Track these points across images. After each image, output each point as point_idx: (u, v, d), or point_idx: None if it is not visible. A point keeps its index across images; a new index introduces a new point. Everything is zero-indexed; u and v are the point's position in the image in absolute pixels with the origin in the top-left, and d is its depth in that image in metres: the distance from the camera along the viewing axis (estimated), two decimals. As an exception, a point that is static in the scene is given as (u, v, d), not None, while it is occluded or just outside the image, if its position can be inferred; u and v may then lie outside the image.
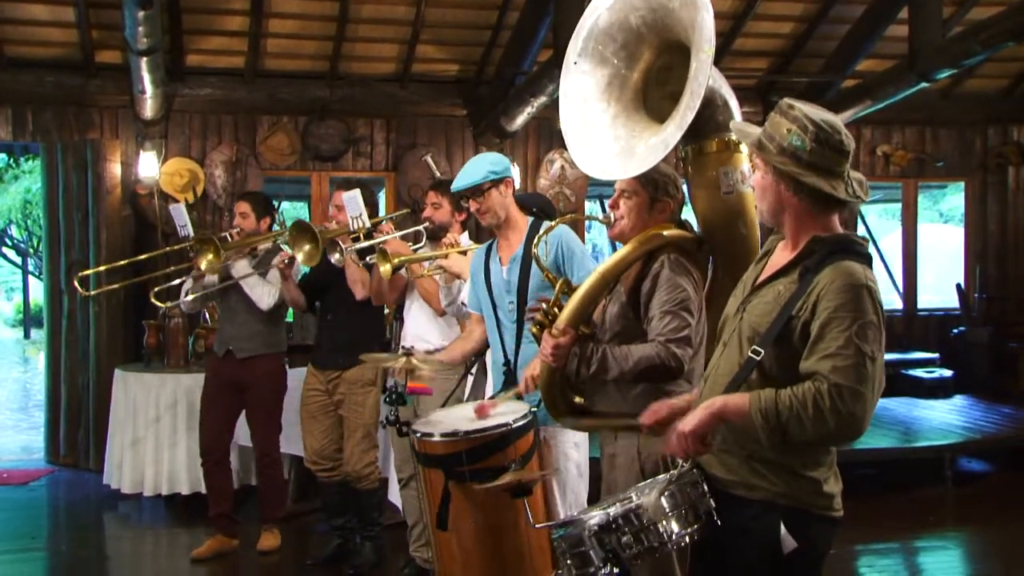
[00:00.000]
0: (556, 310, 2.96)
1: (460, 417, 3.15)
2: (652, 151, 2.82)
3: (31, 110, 7.51)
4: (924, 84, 6.99)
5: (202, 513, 5.39)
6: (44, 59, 7.42)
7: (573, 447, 3.47)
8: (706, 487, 2.30)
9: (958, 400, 8.12)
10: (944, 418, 7.45)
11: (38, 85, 7.41)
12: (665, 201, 3.01)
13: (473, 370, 4.24)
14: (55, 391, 7.54)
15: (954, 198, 18.32)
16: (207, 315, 6.68)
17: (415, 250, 4.54)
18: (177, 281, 5.32)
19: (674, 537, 2.25)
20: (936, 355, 8.82)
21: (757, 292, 2.36)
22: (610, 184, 3.19)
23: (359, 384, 4.84)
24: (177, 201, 7.21)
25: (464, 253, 4.16)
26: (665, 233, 2.94)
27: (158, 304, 5.22)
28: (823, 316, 2.15)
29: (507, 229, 3.65)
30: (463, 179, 3.62)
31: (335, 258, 4.54)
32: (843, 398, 2.08)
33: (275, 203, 5.77)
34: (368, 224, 4.56)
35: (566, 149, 3.11)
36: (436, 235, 4.46)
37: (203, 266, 4.87)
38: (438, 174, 7.90)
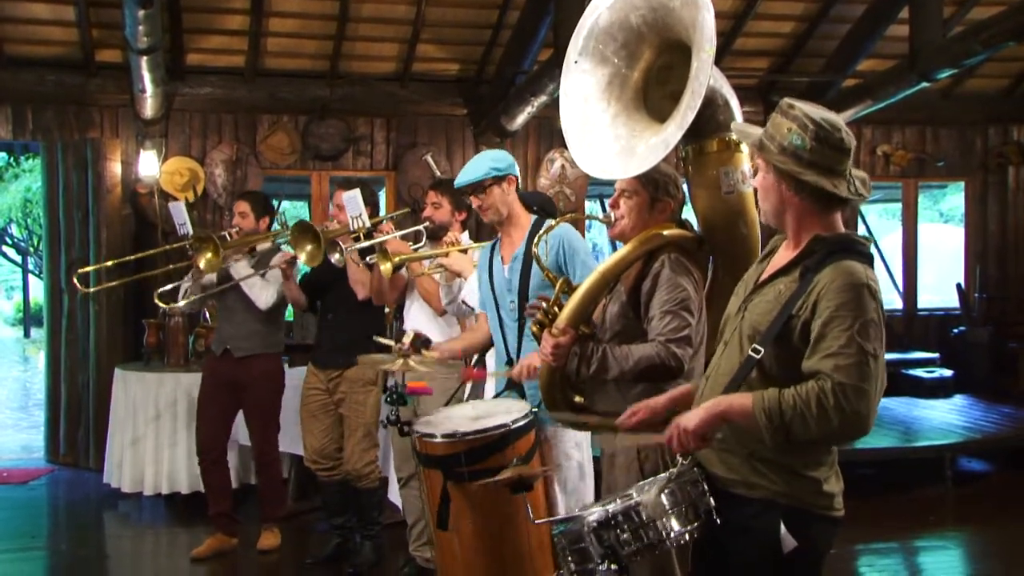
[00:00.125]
0: (556, 309, 2.96)
1: (461, 417, 3.14)
2: (653, 151, 2.82)
3: (31, 109, 7.50)
4: (925, 84, 6.99)
5: (202, 512, 5.38)
6: (44, 58, 7.42)
7: (575, 447, 3.46)
8: (706, 486, 2.29)
9: (958, 400, 8.11)
10: (944, 418, 7.45)
11: (38, 84, 7.41)
12: (666, 201, 3.01)
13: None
14: (55, 390, 7.54)
15: (954, 198, 18.31)
16: (207, 314, 6.68)
17: (415, 250, 4.54)
18: (171, 287, 5.29)
19: (673, 535, 2.24)
20: (936, 355, 8.81)
21: (758, 291, 2.36)
22: (610, 183, 3.19)
23: (360, 383, 4.84)
24: (177, 200, 7.20)
25: (465, 252, 4.16)
26: (665, 233, 2.94)
27: (162, 305, 5.21)
28: (824, 315, 2.15)
29: (510, 227, 3.65)
30: (465, 175, 3.62)
31: (335, 258, 4.54)
32: (847, 396, 2.08)
33: (276, 202, 5.76)
34: (368, 224, 4.56)
35: (566, 148, 3.11)
36: (436, 235, 4.46)
37: (202, 265, 4.87)
38: (438, 173, 7.90)
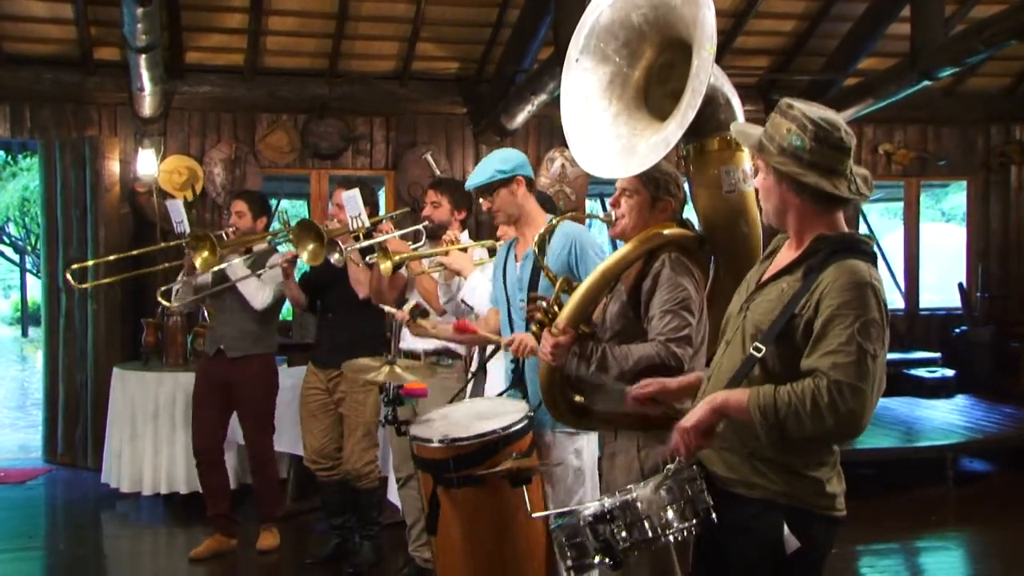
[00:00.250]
0: (556, 308, 2.94)
1: (459, 416, 3.13)
2: (653, 149, 2.80)
3: (29, 107, 7.49)
4: (926, 82, 6.97)
5: (200, 512, 5.37)
6: (42, 56, 7.40)
7: (573, 454, 3.41)
8: (704, 484, 2.28)
9: (960, 400, 8.10)
10: (946, 418, 7.43)
11: (36, 82, 7.39)
12: (666, 200, 2.99)
13: (473, 366, 4.23)
14: (53, 389, 7.53)
15: (956, 197, 18.28)
16: (206, 313, 6.65)
17: (415, 249, 4.53)
18: (173, 285, 5.27)
19: (668, 531, 2.23)
20: (938, 355, 8.80)
21: (761, 290, 2.35)
22: (611, 182, 3.17)
23: (360, 383, 4.82)
24: (175, 198, 7.18)
25: (464, 250, 4.15)
26: (666, 232, 2.93)
27: (163, 302, 5.20)
28: (826, 314, 2.14)
29: (524, 226, 3.64)
30: (472, 178, 3.64)
31: (335, 258, 4.52)
32: (843, 394, 2.07)
33: (275, 201, 5.75)
34: (367, 223, 4.54)
35: (567, 147, 3.09)
36: (435, 234, 4.45)
37: (198, 264, 4.85)
38: (438, 172, 7.89)
